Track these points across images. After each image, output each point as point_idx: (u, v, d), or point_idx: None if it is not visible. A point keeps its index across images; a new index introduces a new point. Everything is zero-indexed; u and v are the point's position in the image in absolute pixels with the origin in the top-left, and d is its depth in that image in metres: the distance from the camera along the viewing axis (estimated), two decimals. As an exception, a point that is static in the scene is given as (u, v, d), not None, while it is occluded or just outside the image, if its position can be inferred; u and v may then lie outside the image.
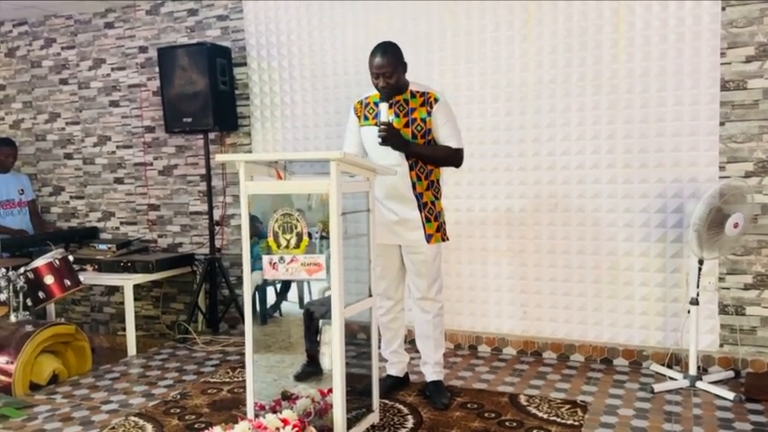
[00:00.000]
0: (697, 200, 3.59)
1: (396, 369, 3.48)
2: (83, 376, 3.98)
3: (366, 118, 3.25)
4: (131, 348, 4.47)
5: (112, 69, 5.34)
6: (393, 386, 3.44)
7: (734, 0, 3.53)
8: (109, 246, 4.96)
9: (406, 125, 3.14)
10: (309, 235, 2.68)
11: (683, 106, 3.67)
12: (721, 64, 3.58)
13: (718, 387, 3.35)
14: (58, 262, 4.06)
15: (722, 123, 3.60)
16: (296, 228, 2.68)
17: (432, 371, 3.36)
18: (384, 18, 4.34)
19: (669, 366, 3.69)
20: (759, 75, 3.52)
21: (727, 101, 3.59)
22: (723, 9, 3.55)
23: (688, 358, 3.50)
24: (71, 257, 4.22)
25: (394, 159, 3.11)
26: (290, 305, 3.16)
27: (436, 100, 3.14)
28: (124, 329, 4.71)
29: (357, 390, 3.13)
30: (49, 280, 4.02)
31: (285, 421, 2.56)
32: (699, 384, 3.41)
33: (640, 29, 3.72)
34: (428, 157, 3.17)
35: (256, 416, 2.76)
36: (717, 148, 3.61)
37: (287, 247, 2.70)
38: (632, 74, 3.76)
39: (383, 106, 3.05)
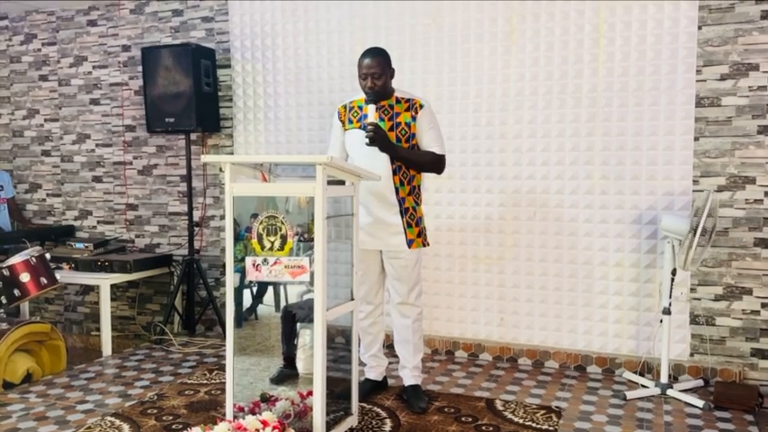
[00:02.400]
0: (671, 212, 3.70)
1: (374, 373, 3.50)
2: (57, 376, 3.94)
3: (350, 122, 3.29)
4: (106, 349, 4.43)
5: (94, 67, 5.30)
6: (371, 390, 3.47)
7: (710, 20, 3.65)
8: (86, 244, 4.91)
9: (391, 129, 3.18)
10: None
11: (659, 121, 3.77)
12: (696, 81, 3.69)
13: (689, 395, 3.44)
14: (34, 260, 4.01)
15: (696, 138, 3.71)
16: (280, 230, 2.70)
17: (410, 375, 3.39)
18: (369, 25, 4.38)
19: (641, 374, 3.77)
20: (733, 92, 3.63)
21: (701, 117, 3.69)
22: (699, 28, 3.66)
23: (659, 366, 3.58)
24: (48, 255, 4.17)
25: (378, 164, 3.15)
26: (266, 308, 3.17)
27: (421, 106, 3.20)
28: (98, 329, 4.67)
29: (336, 393, 3.15)
30: (24, 278, 3.96)
31: (265, 423, 2.58)
32: (669, 392, 3.49)
33: (620, 45, 3.82)
34: (412, 162, 3.21)
35: (235, 417, 2.76)
36: (691, 162, 3.72)
37: (271, 249, 2.71)
38: (611, 88, 3.86)
39: (371, 108, 3.09)
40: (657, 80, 3.75)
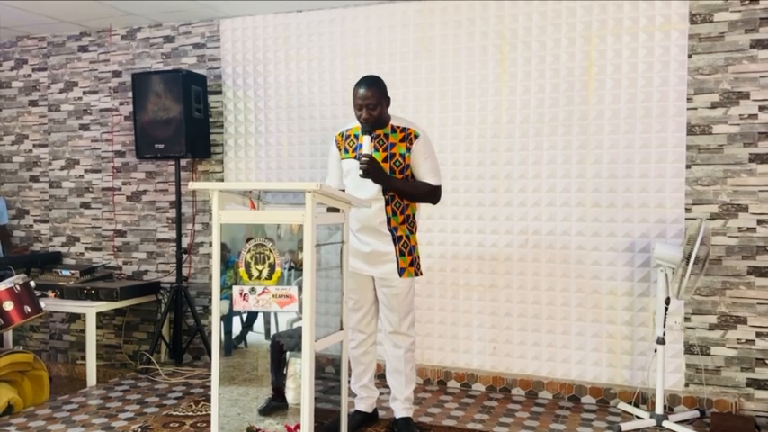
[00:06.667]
0: (664, 240, 3.67)
1: (364, 404, 3.42)
2: (39, 407, 3.84)
3: (346, 151, 3.25)
4: (91, 378, 4.34)
5: (84, 93, 5.27)
6: (361, 422, 3.39)
7: (700, 49, 3.67)
8: (72, 271, 4.84)
9: (385, 160, 3.14)
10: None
11: (651, 148, 3.76)
12: (688, 109, 3.69)
13: (684, 427, 3.37)
14: (18, 287, 3.92)
15: (688, 166, 3.70)
16: (268, 258, 2.65)
17: (401, 407, 3.31)
18: (361, 52, 4.39)
19: (636, 405, 3.70)
20: (724, 121, 3.63)
21: (693, 145, 3.69)
22: (690, 57, 3.68)
23: (654, 397, 3.52)
24: (32, 283, 4.09)
25: (371, 193, 3.11)
26: (256, 336, 3.11)
27: (416, 136, 3.16)
28: (84, 358, 4.57)
29: (325, 425, 3.08)
30: (8, 306, 3.87)
31: (251, 457, 2.50)
32: (665, 424, 3.43)
33: (610, 73, 3.83)
34: (407, 193, 3.17)
35: (221, 451, 2.68)
36: (683, 190, 3.71)
37: (258, 277, 2.66)
38: (602, 116, 3.86)
39: (366, 139, 3.06)
40: (649, 108, 3.76)
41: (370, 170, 3.03)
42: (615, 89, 3.82)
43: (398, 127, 3.19)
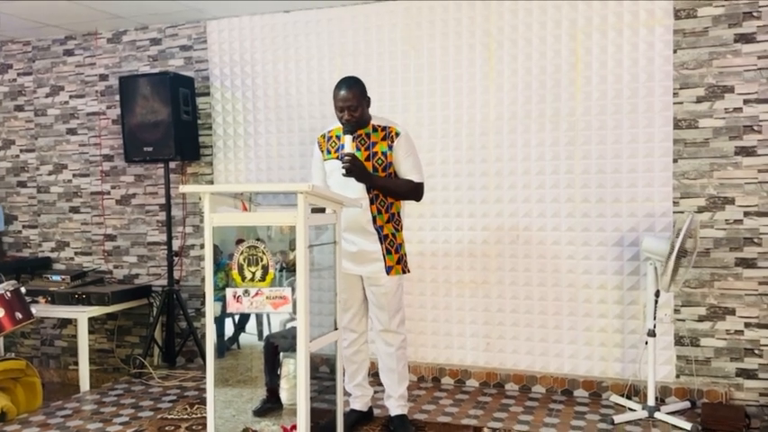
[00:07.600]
0: (652, 233, 3.71)
1: (359, 403, 3.44)
2: (32, 414, 3.82)
3: (329, 152, 3.27)
4: (84, 384, 4.32)
5: (71, 97, 5.24)
6: (357, 421, 3.40)
7: (684, 44, 3.70)
8: (63, 277, 4.81)
9: (367, 159, 3.16)
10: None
11: (638, 143, 3.80)
12: (674, 104, 3.73)
13: (676, 417, 3.42)
14: (9, 294, 3.90)
15: (675, 160, 3.74)
16: (261, 260, 2.66)
17: (396, 405, 3.33)
18: (348, 52, 4.40)
19: (628, 397, 3.74)
20: (709, 114, 3.68)
21: (679, 139, 3.73)
22: (675, 52, 3.72)
23: (646, 389, 3.56)
24: (23, 289, 4.07)
25: (355, 193, 3.12)
26: (249, 337, 3.11)
27: (397, 134, 3.18)
28: (76, 364, 4.55)
29: (321, 425, 3.09)
30: (-2, 313, 3.86)
31: (248, 459, 2.51)
32: (657, 415, 3.47)
33: (597, 69, 3.86)
34: (390, 190, 3.19)
35: (217, 453, 2.69)
36: (670, 184, 3.75)
37: (252, 279, 2.66)
38: (589, 112, 3.89)
39: (347, 138, 3.08)
40: (635, 103, 3.79)
41: (353, 169, 3.04)
42: (602, 85, 3.86)
43: (379, 126, 3.21)
